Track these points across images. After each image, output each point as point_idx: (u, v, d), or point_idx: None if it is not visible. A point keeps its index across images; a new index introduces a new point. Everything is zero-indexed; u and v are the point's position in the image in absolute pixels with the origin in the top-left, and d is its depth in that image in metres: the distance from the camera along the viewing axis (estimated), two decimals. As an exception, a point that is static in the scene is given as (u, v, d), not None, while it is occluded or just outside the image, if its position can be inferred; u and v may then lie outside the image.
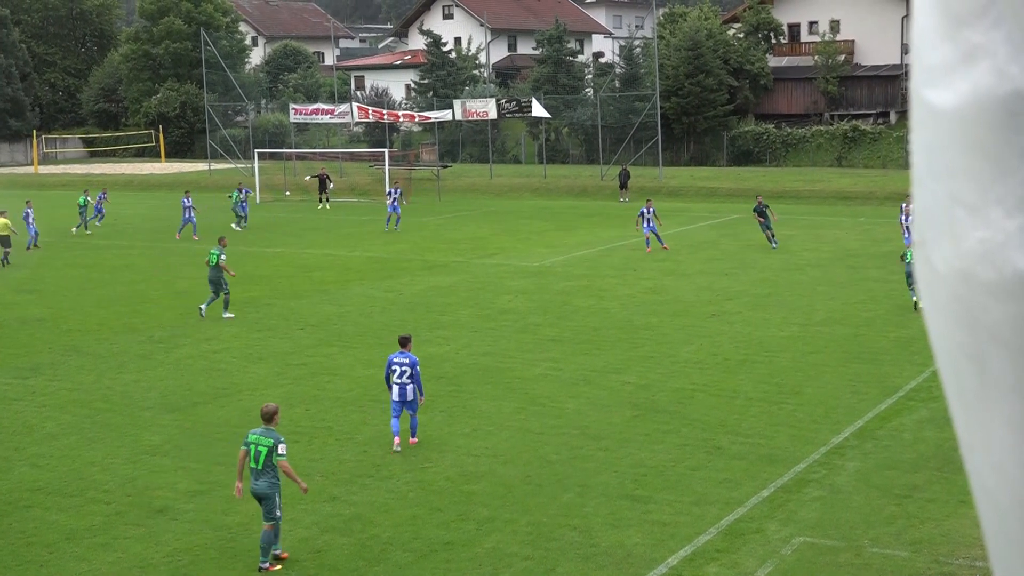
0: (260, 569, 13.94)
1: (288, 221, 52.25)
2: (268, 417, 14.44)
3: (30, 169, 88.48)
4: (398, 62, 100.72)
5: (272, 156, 72.18)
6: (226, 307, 29.23)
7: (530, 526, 15.15)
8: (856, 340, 25.51)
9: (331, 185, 59.09)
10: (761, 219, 39.66)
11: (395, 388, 18.33)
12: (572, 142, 78.54)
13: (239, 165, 74.96)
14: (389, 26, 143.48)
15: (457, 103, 68.25)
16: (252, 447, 14.19)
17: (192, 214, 46.76)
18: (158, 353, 25.66)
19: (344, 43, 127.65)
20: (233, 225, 48.49)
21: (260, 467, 14.09)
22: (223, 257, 29.39)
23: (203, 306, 29.30)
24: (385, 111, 72.32)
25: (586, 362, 23.98)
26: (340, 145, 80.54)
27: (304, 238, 45.60)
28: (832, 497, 15.95)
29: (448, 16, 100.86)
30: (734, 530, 14.87)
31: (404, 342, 18.78)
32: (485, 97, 71.37)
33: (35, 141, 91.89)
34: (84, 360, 25.10)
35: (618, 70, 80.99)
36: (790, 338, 25.84)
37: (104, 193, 51.88)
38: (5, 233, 39.74)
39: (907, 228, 32.44)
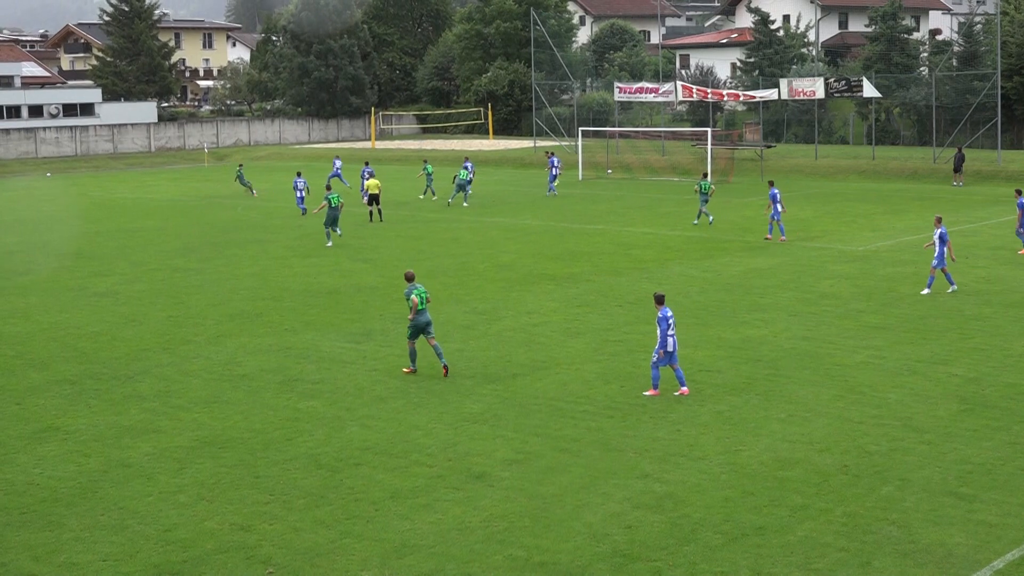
0: (446, 371, 21.89)
1: (609, 199, 52.72)
2: (413, 277, 21.93)
3: (367, 144, 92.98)
4: (724, 40, 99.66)
5: (596, 134, 72.96)
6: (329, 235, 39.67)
7: (845, 517, 14.76)
8: None
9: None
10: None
11: (669, 340, 20.04)
12: (904, 123, 75.51)
13: (563, 143, 76.19)
14: (716, 4, 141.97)
15: (783, 82, 66.89)
16: (420, 295, 21.52)
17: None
18: (480, 324, 26.49)
19: (671, 22, 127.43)
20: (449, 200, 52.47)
21: (425, 306, 21.56)
22: (342, 201, 40.49)
23: (330, 241, 39.19)
24: (709, 90, 71.78)
25: (911, 351, 23.08)
26: (663, 124, 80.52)
27: (625, 216, 45.91)
28: None
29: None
30: (1068, 537, 14.01)
31: (663, 299, 20.45)
32: (813, 76, 69.63)
33: (373, 117, 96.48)
34: (412, 328, 26.17)
35: (956, 48, 77.20)
36: None
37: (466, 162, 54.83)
38: (375, 192, 45.32)
39: None
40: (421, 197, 54.13)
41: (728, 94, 73.25)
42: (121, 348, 24.90)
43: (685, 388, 20.40)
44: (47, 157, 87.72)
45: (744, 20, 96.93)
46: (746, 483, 16.01)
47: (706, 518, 14.81)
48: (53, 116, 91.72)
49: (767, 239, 38.23)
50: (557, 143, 76.64)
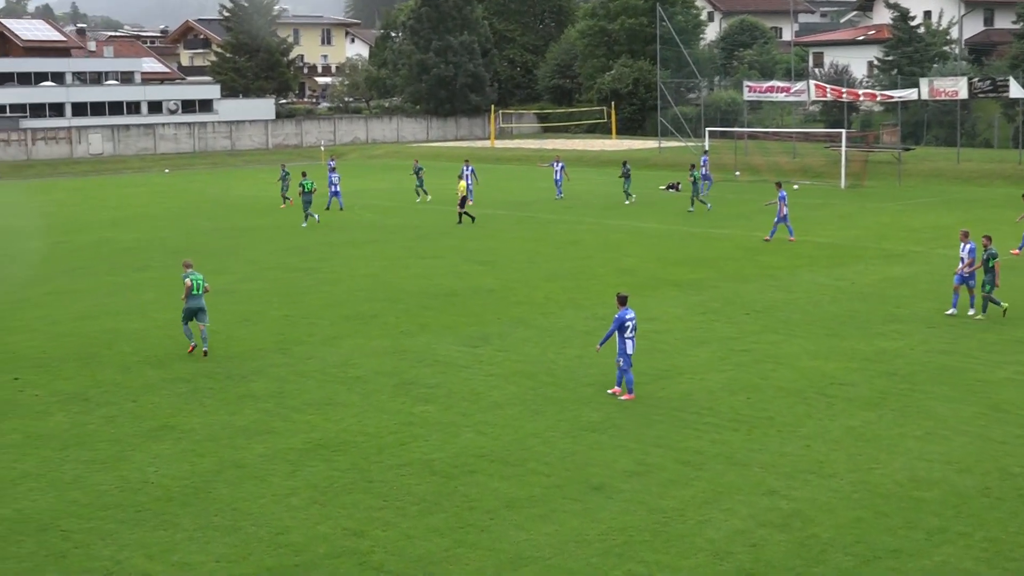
0: (205, 353, 23.83)
1: (737, 202, 51.67)
2: (191, 265, 24.06)
3: (487, 143, 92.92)
4: (860, 37, 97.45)
5: (723, 135, 71.76)
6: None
7: (986, 542, 13.97)
8: None
9: None
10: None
11: (628, 343, 19.95)
12: (1053, 125, 72.87)
13: (689, 143, 75.18)
14: (852, 0, 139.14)
15: (923, 81, 64.79)
16: (196, 281, 23.59)
17: (472, 181, 50.77)
18: (601, 331, 25.76)
19: (804, 18, 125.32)
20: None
21: (200, 292, 23.60)
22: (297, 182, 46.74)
23: (305, 223, 45.14)
24: (844, 89, 69.96)
25: (1058, 367, 21.94)
26: (794, 124, 78.98)
27: (753, 220, 44.84)
28: None
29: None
30: None
31: (626, 299, 20.31)
32: (955, 75, 67.53)
33: (492, 116, 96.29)
34: (530, 333, 25.75)
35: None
36: None
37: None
38: (463, 195, 45.51)
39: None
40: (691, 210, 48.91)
41: (864, 94, 71.38)
42: (236, 347, 24.91)
43: (619, 388, 20.54)
44: (165, 153, 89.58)
45: (882, 16, 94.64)
46: (879, 503, 15.27)
47: (836, 539, 14.14)
48: (172, 112, 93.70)
49: (767, 240, 38.88)
50: (683, 143, 75.70)
